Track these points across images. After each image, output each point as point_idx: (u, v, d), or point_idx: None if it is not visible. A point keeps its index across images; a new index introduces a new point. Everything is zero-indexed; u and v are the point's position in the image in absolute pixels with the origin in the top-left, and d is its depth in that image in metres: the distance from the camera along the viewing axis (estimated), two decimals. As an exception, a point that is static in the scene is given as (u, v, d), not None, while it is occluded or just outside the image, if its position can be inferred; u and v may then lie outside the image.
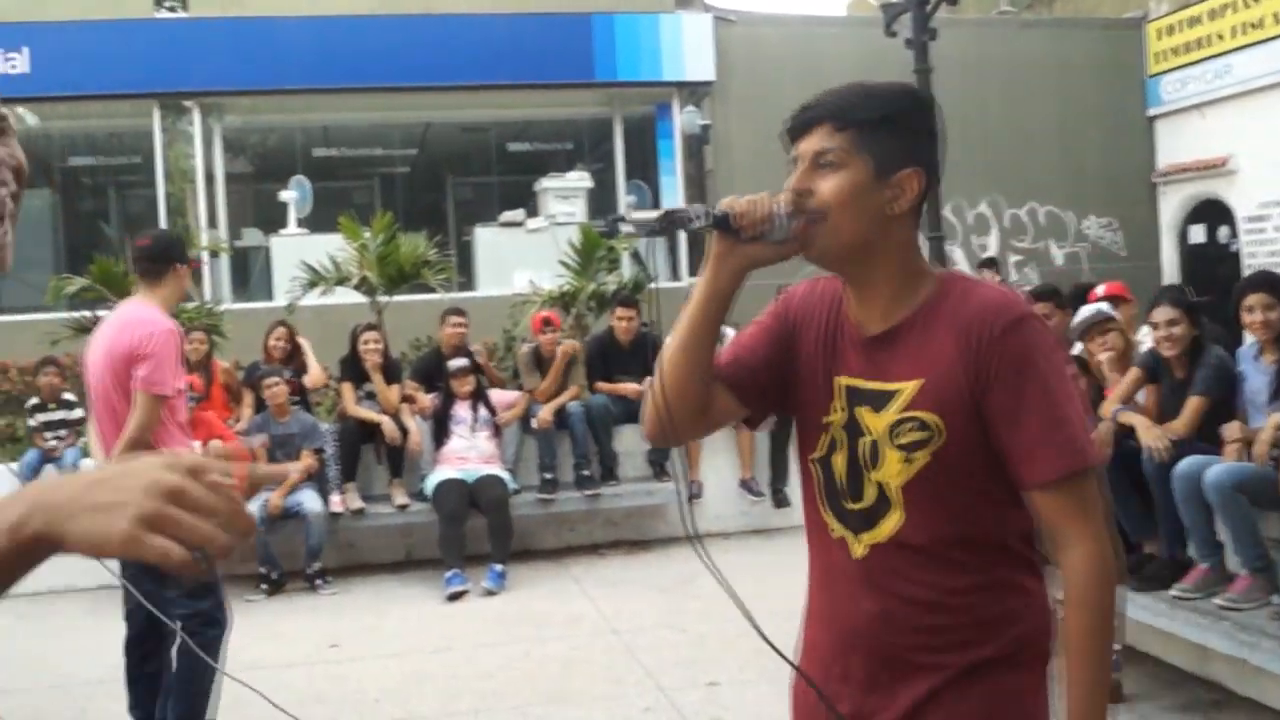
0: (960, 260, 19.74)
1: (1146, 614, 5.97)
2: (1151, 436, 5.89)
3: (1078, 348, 7.43)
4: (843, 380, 2.31)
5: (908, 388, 2.21)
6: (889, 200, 2.19)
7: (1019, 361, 2.15)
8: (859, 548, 2.30)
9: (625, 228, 2.18)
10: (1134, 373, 6.46)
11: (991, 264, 17.63)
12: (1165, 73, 20.79)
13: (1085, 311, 7.17)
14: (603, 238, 12.45)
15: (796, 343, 2.39)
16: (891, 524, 2.25)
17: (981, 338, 2.16)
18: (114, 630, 8.01)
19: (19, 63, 17.28)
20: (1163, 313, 6.22)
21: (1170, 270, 20.89)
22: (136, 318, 5.33)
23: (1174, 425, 5.98)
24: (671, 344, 2.30)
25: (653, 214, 2.14)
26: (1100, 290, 8.27)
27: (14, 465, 9.37)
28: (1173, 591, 5.86)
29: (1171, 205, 21.03)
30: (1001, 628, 2.27)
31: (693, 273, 2.00)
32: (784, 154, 2.23)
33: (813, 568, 2.47)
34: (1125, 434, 6.11)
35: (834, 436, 2.32)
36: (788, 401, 2.41)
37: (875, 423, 2.24)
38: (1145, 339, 7.26)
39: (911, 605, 2.25)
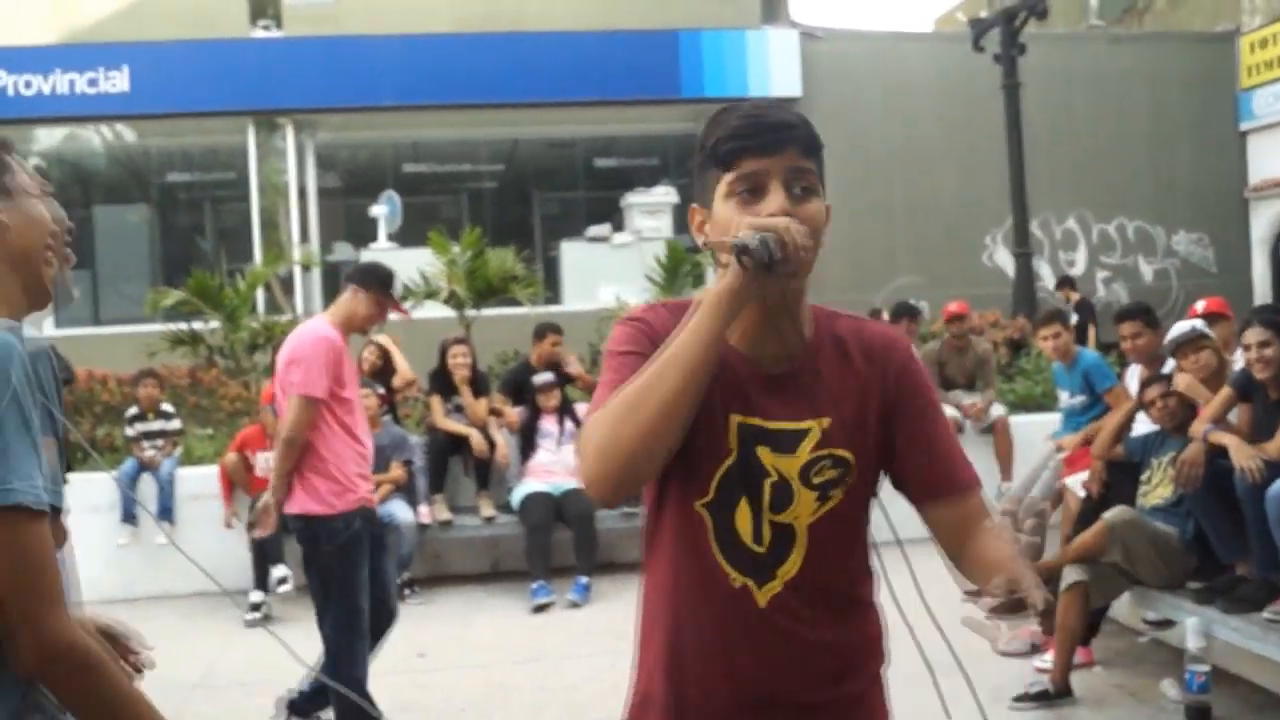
0: (1047, 276, 19.60)
1: (1238, 636, 5.89)
2: (1245, 456, 5.80)
3: (1169, 365, 7.35)
4: (739, 419, 2.16)
5: (816, 426, 2.16)
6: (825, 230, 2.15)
7: (920, 389, 2.25)
8: (763, 596, 2.21)
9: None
10: (1225, 392, 6.37)
11: (1068, 283, 17.48)
12: (1258, 87, 20.52)
13: (1180, 327, 7.09)
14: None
15: None
16: (792, 566, 2.20)
17: (891, 369, 2.22)
18: (208, 635, 8.16)
19: (119, 81, 17.66)
20: (1254, 334, 6.12)
21: (1261, 286, 20.61)
22: (301, 328, 5.73)
23: (1268, 446, 5.89)
24: (659, 392, 1.97)
25: (742, 241, 1.95)
26: (1200, 306, 8.18)
27: (114, 473, 9.55)
28: (1265, 614, 5.76)
29: (1263, 221, 20.75)
30: (875, 652, 2.33)
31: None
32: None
33: (686, 624, 2.29)
34: (1217, 454, 6.04)
35: (729, 479, 2.18)
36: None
37: (783, 464, 2.16)
38: (1239, 359, 7.16)
39: (813, 648, 2.23)
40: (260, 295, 15.59)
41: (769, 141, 2.08)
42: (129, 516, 9.49)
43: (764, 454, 2.17)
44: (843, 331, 2.23)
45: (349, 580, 5.56)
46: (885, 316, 12.10)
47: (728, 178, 2.12)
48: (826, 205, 2.14)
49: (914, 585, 2.21)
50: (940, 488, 2.22)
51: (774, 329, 2.16)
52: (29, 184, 2.22)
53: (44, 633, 1.88)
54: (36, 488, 1.89)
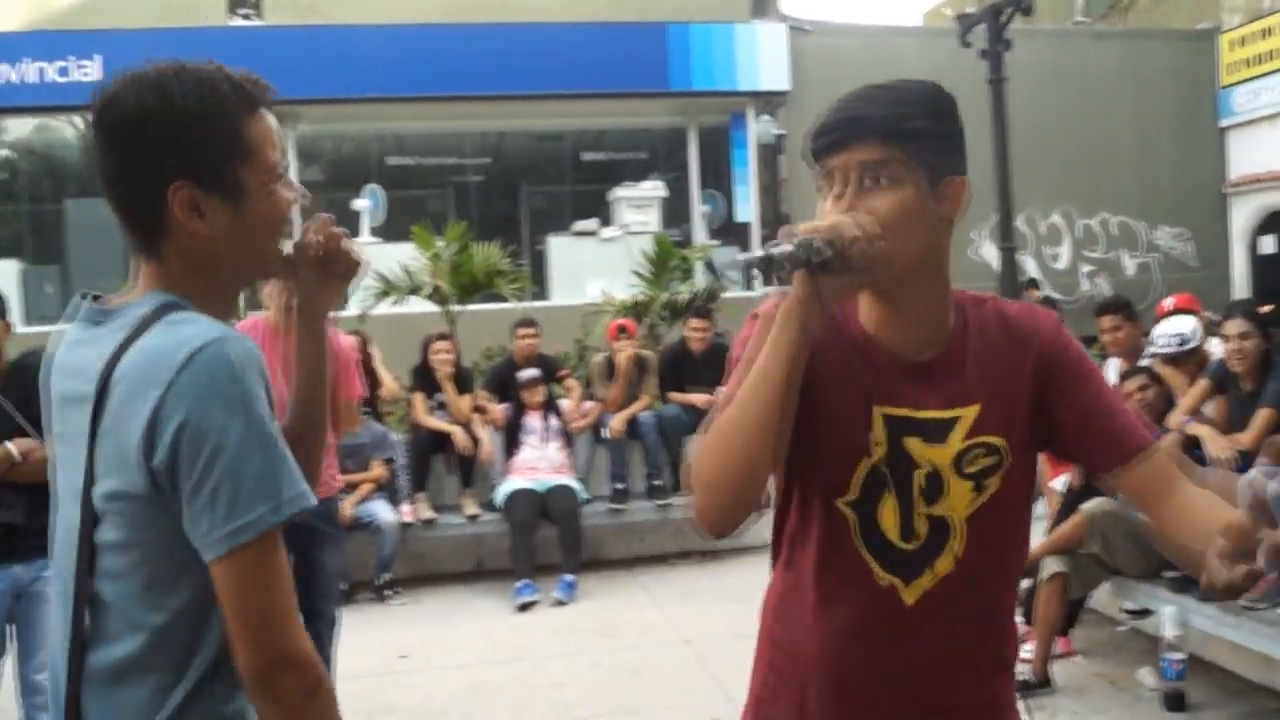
0: (1032, 270, 19.64)
1: (1213, 624, 5.97)
2: (1218, 447, 5.88)
3: (1148, 357, 7.42)
4: (885, 410, 2.12)
5: (968, 414, 2.11)
6: (942, 214, 2.08)
7: (1072, 359, 2.17)
8: (912, 593, 2.15)
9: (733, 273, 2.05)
10: (1202, 384, 6.44)
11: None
12: (1237, 84, 20.67)
13: (1167, 338, 7.12)
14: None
15: (810, 373, 2.05)
16: (948, 561, 2.14)
17: (1037, 346, 2.15)
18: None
19: (92, 70, 17.40)
20: (1234, 325, 6.20)
21: (1240, 281, 20.75)
22: None
23: (1241, 437, 5.96)
24: (749, 418, 1.96)
25: (769, 251, 1.93)
26: (1169, 303, 8.24)
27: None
28: (1240, 601, 5.81)
29: (1242, 216, 20.90)
30: (1014, 648, 2.29)
31: (767, 283, 1.75)
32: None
33: (826, 621, 2.22)
34: (1193, 444, 6.09)
35: (876, 473, 2.13)
36: (803, 441, 2.11)
37: (934, 454, 2.11)
38: (1215, 349, 7.22)
39: (961, 647, 2.19)
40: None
41: (837, 139, 2.06)
42: None
43: (913, 445, 2.12)
44: (987, 314, 2.19)
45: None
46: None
47: (818, 176, 2.13)
48: (960, 179, 2.09)
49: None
50: (1116, 455, 2.15)
51: (911, 316, 2.13)
52: (272, 168, 2.02)
53: (284, 641, 1.79)
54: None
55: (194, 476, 1.76)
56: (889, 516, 2.14)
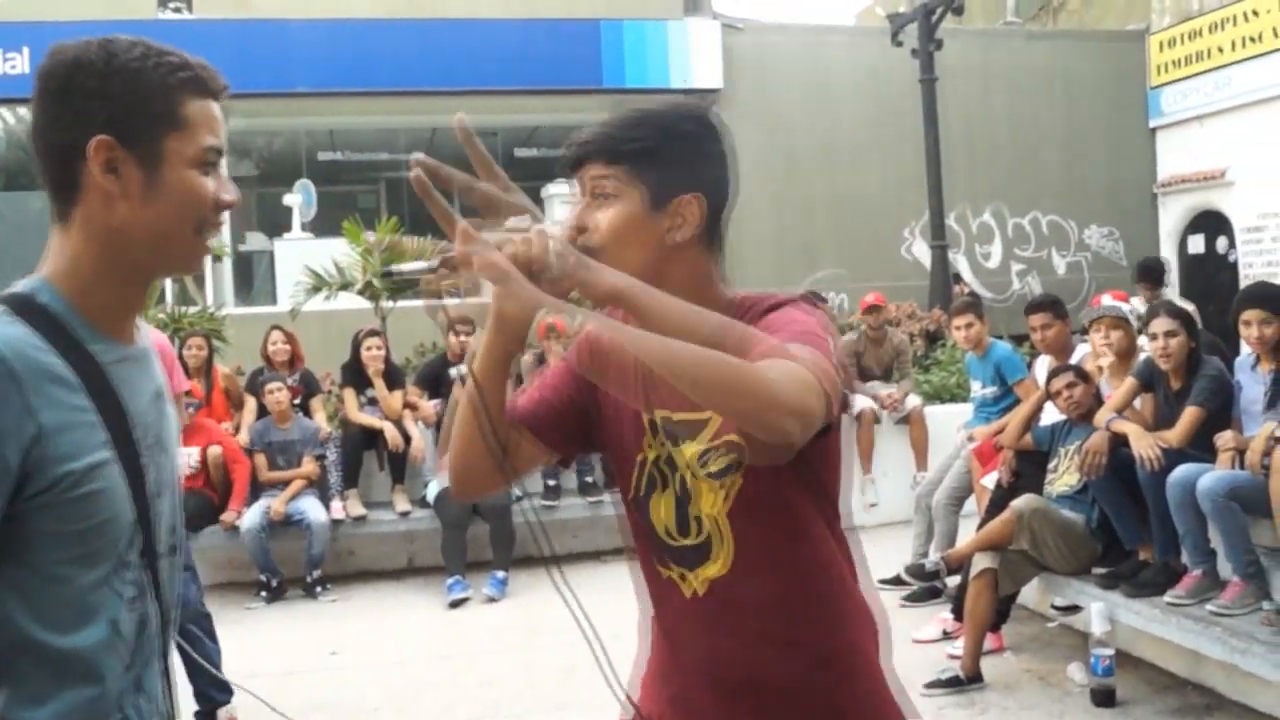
0: (964, 268, 19.78)
1: (1140, 619, 6.05)
2: (1144, 445, 5.93)
3: (1078, 355, 7.48)
4: (657, 413, 2.19)
5: (715, 414, 2.11)
6: (669, 230, 2.12)
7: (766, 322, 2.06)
8: (695, 585, 2.22)
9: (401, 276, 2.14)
10: (1130, 383, 6.50)
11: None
12: (1167, 85, 20.92)
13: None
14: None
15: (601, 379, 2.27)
16: (724, 558, 2.18)
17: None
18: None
19: (19, 63, 17.15)
20: (1161, 324, 6.25)
21: (1170, 280, 20.99)
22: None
23: (1167, 434, 6.02)
24: (462, 401, 2.20)
25: (423, 264, 2.06)
26: (1106, 300, 8.32)
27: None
28: (1166, 598, 5.93)
29: (1171, 215, 21.14)
30: (842, 653, 2.26)
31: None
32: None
33: (647, 618, 2.39)
34: (1120, 442, 6.15)
35: (651, 474, 2.23)
36: (593, 440, 2.33)
37: (684, 454, 2.17)
38: (1144, 347, 7.28)
39: (754, 643, 2.21)
40: (169, 286, 15.35)
41: (571, 157, 2.20)
42: None
43: (675, 446, 2.18)
44: (749, 315, 2.15)
45: None
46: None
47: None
48: (689, 198, 2.13)
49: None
50: None
51: None
52: (201, 152, 1.94)
53: None
54: None
55: None
56: (663, 512, 2.23)
